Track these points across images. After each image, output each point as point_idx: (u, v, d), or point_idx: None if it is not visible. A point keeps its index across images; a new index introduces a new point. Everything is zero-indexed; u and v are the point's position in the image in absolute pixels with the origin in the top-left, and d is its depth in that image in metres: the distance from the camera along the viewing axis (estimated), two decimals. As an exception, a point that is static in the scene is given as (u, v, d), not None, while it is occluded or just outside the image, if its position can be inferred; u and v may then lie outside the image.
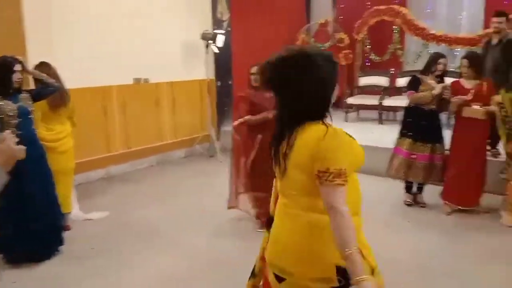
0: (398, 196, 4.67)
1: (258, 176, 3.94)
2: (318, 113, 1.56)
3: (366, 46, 8.32)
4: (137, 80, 6.12)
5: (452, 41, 7.22)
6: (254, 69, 3.84)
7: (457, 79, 4.24)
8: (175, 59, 6.53)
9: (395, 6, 7.76)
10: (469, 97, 4.05)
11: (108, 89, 5.82)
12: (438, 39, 7.34)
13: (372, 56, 8.33)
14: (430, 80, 4.25)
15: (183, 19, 6.59)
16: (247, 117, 3.83)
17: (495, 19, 5.03)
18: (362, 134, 6.64)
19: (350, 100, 7.87)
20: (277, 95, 1.60)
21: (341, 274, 1.51)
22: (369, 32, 8.21)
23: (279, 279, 1.62)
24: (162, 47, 6.26)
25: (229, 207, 4.17)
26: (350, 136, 1.61)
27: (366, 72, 8.28)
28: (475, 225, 4.05)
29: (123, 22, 5.80)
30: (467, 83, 4.14)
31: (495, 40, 5.07)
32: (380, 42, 8.39)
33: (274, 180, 1.84)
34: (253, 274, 1.96)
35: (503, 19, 4.99)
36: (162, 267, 3.42)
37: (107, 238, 3.95)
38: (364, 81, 8.17)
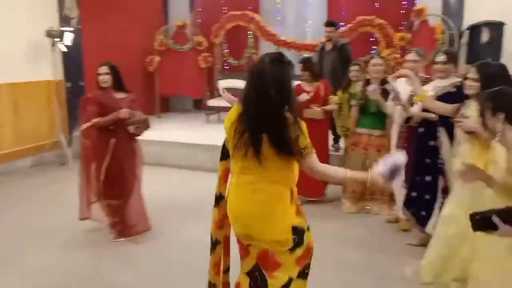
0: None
1: (112, 183, 3.74)
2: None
3: (224, 50, 8.55)
4: (-33, 81, 5.35)
5: (300, 47, 7.81)
6: (101, 69, 3.65)
7: (298, 83, 4.57)
8: (16, 58, 5.86)
9: (249, 12, 8.11)
10: (303, 98, 4.39)
11: None
12: (288, 45, 7.88)
13: (231, 60, 8.60)
14: None
15: (25, 14, 5.96)
16: (95, 120, 3.62)
17: (327, 29, 5.64)
18: (223, 135, 6.84)
19: (211, 103, 8.01)
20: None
21: (295, 233, 2.04)
22: (227, 36, 8.46)
23: (247, 245, 2.14)
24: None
25: (81, 218, 3.89)
26: None
27: (226, 75, 8.52)
28: (322, 214, 4.42)
29: None
30: (307, 86, 4.51)
31: (328, 47, 5.67)
32: (237, 46, 8.70)
33: (220, 164, 2.28)
34: (213, 246, 2.32)
35: (333, 28, 5.62)
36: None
37: None
38: (223, 84, 8.36)
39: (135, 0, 7.92)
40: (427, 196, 3.53)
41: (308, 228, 2.14)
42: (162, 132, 6.62)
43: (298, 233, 2.06)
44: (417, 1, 7.44)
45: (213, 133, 6.91)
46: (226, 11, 8.51)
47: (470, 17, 6.90)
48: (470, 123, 2.72)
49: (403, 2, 7.75)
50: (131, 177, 3.85)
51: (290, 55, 7.86)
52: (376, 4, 7.87)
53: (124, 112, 3.60)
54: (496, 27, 6.49)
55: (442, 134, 3.37)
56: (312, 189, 4.56)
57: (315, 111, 4.45)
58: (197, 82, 8.49)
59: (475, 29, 6.71)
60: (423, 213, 3.53)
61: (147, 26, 8.22)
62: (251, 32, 8.24)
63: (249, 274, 2.19)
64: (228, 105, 8.48)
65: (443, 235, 2.95)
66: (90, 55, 6.58)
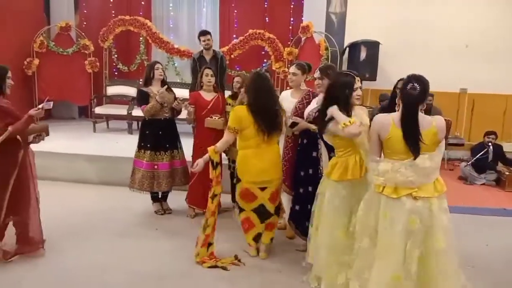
0: (145, 205, 4.70)
1: (17, 198, 3.39)
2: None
3: (113, 55, 8.16)
4: None
5: (194, 57, 7.78)
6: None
7: (198, 91, 4.48)
8: None
9: (140, 18, 7.87)
10: (186, 107, 4.33)
11: None
12: (182, 53, 7.81)
13: (120, 66, 8.23)
14: (156, 90, 4.38)
15: None
16: (10, 129, 3.18)
17: (203, 38, 5.73)
18: (111, 144, 6.49)
19: (99, 110, 7.56)
20: None
21: None
22: (116, 41, 8.09)
23: (262, 189, 3.57)
24: None
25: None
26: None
27: (115, 81, 8.13)
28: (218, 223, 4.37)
29: None
30: (206, 95, 4.42)
31: (207, 56, 5.80)
32: (127, 52, 8.38)
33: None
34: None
35: (207, 36, 5.72)
36: None
37: None
38: (112, 90, 7.98)
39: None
40: (310, 206, 3.55)
41: None
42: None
43: None
44: (303, 18, 7.88)
45: (99, 143, 6.53)
46: (114, 15, 8.15)
47: (350, 36, 7.52)
48: (354, 129, 2.84)
49: (291, 18, 8.17)
50: (33, 190, 3.53)
51: (184, 64, 7.82)
52: (266, 18, 8.18)
53: (35, 111, 3.30)
54: (373, 46, 7.15)
55: (322, 146, 3.51)
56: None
57: (217, 121, 4.34)
58: (82, 88, 7.98)
59: (354, 47, 7.33)
60: (307, 223, 3.55)
61: (25, 26, 7.51)
62: (142, 38, 8.00)
63: (254, 210, 3.59)
64: (114, 112, 8.07)
65: (328, 243, 3.08)
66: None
